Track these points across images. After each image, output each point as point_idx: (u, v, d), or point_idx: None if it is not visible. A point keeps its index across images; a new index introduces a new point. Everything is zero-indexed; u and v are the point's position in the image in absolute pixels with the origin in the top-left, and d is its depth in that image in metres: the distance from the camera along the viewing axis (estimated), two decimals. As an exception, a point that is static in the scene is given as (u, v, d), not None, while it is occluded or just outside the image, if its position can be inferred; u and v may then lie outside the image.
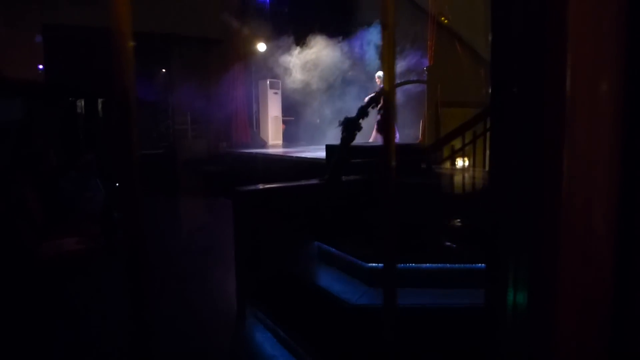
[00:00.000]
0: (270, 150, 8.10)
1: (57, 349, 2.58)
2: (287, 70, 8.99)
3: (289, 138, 9.83)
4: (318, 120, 9.48)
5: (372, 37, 7.90)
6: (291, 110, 9.91)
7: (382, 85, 6.68)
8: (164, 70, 10.42)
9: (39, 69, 8.38)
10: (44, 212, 3.67)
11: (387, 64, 0.82)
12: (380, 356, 1.28)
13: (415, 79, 6.62)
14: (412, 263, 2.57)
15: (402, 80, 6.46)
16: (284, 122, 9.91)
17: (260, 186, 3.16)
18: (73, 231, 3.60)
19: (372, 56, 8.08)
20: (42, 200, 3.83)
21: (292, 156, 6.15)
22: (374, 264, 2.72)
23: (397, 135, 6.54)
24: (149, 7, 7.53)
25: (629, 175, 0.58)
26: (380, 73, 6.94)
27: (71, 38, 8.18)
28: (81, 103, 9.81)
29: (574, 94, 0.58)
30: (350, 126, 3.35)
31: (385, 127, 0.93)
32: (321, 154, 4.91)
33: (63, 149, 6.85)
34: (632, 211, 0.58)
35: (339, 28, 8.76)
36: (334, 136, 4.17)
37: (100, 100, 9.94)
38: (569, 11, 0.57)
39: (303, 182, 3.36)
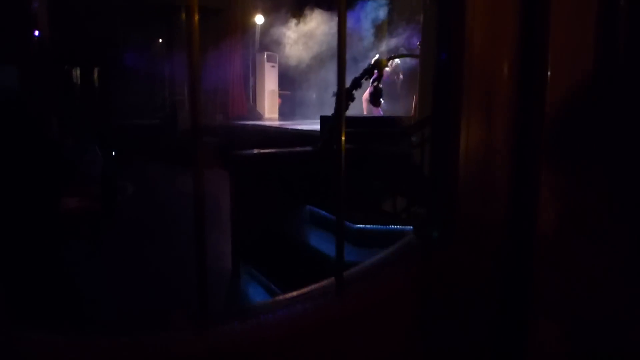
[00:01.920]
0: (267, 123, 8.20)
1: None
2: (284, 43, 9.01)
3: (284, 112, 9.90)
4: (314, 95, 9.55)
5: (369, 11, 7.92)
6: (288, 84, 9.96)
7: (376, 57, 6.77)
8: (160, 40, 10.37)
9: (35, 35, 8.35)
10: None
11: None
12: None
13: (407, 52, 6.71)
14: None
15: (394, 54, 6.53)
16: (280, 96, 9.96)
17: (255, 151, 3.30)
18: (74, 191, 3.74)
19: (368, 30, 8.12)
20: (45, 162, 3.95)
21: (287, 128, 6.27)
22: (361, 225, 2.89)
23: (380, 110, 6.63)
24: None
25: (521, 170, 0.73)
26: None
27: (69, 5, 8.13)
28: (77, 72, 9.80)
29: (468, 95, 0.72)
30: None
31: (338, 99, 1.07)
32: (316, 127, 5.03)
33: (62, 115, 6.92)
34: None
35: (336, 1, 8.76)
36: (329, 110, 4.29)
37: (96, 69, 9.91)
38: (466, 17, 0.70)
39: (297, 149, 3.50)
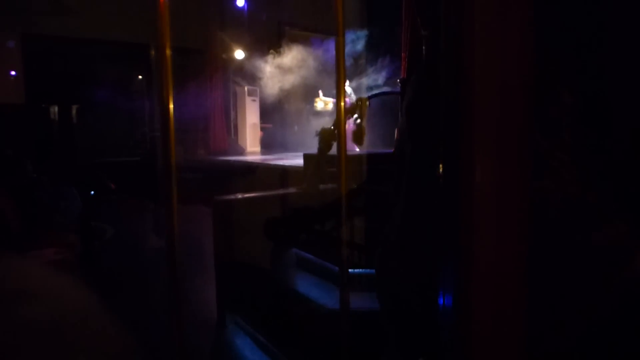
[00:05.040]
0: (249, 158, 8.15)
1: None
2: (265, 77, 9.09)
3: (266, 145, 9.90)
4: (296, 127, 9.60)
5: (345, 45, 8.08)
6: (269, 116, 10.00)
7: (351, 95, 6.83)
8: (140, 76, 10.36)
9: (11, 74, 8.28)
10: (21, 223, 3.66)
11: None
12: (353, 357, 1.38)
13: (388, 90, 6.79)
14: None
15: (376, 92, 6.61)
16: (261, 129, 9.98)
17: (239, 195, 3.24)
18: (51, 242, 3.61)
19: (346, 64, 8.26)
20: (19, 210, 3.82)
21: (270, 164, 6.23)
22: (349, 270, 2.84)
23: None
24: (131, 18, 7.63)
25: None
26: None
27: (45, 43, 8.11)
28: (54, 110, 9.66)
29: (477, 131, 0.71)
30: (327, 136, 3.47)
31: (338, 138, 1.05)
32: (299, 161, 5.01)
33: (38, 157, 6.76)
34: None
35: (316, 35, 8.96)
36: (311, 142, 4.27)
37: (74, 106, 9.80)
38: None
39: (281, 191, 3.46)
